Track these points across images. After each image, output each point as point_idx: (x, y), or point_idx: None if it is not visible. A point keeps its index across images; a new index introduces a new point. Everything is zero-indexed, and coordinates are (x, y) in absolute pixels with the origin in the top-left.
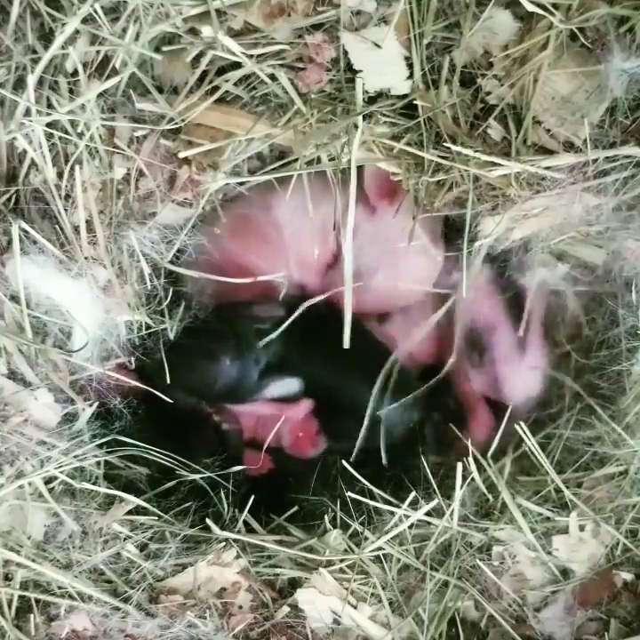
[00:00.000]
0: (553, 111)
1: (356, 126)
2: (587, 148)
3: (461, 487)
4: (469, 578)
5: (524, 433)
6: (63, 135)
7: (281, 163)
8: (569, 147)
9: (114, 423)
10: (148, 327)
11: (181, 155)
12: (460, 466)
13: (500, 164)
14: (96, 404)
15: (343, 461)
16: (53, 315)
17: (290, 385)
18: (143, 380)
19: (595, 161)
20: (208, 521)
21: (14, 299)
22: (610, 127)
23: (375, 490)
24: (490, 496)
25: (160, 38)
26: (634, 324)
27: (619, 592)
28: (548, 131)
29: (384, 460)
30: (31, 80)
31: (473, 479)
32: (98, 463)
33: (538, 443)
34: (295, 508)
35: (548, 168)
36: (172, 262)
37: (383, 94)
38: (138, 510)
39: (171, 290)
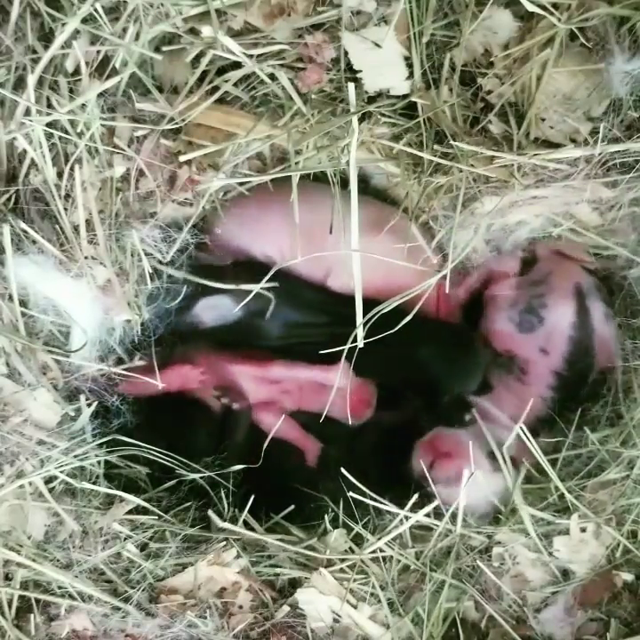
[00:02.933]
0: (555, 108)
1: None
2: (591, 143)
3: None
4: (470, 579)
5: (527, 438)
6: (63, 135)
7: (283, 166)
8: (571, 142)
9: (113, 422)
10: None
11: (182, 158)
12: (466, 471)
13: (501, 157)
14: (96, 403)
15: (342, 468)
16: (52, 315)
17: (222, 303)
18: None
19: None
20: (210, 512)
21: (13, 299)
22: (612, 124)
23: (374, 495)
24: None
25: (160, 38)
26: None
27: (619, 593)
28: (552, 127)
29: None
30: (31, 80)
31: None
32: (98, 462)
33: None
34: (292, 507)
35: (551, 160)
36: (172, 261)
37: (383, 94)
38: (138, 510)
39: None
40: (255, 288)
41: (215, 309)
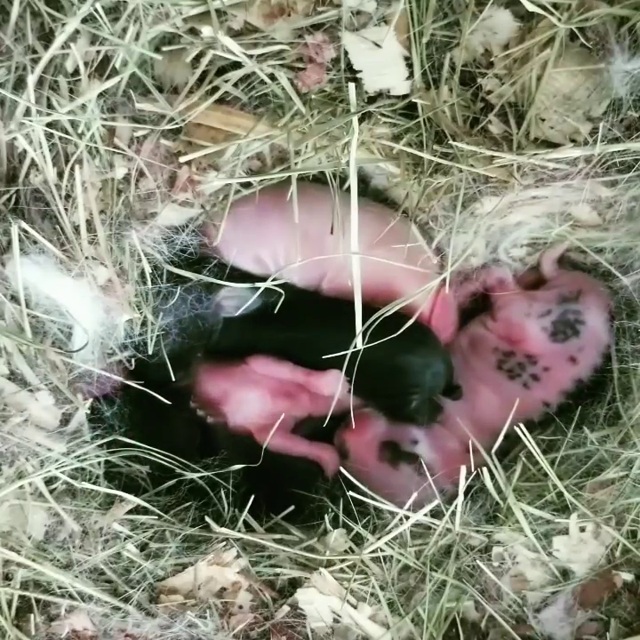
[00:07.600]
0: (555, 108)
1: (351, 128)
2: (590, 142)
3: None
4: (470, 578)
5: (525, 436)
6: (63, 135)
7: (283, 166)
8: (571, 142)
9: (115, 423)
10: (145, 324)
11: (183, 159)
12: (464, 469)
13: (501, 157)
14: (90, 400)
15: (342, 468)
16: (53, 315)
17: (241, 294)
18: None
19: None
20: (207, 519)
21: (14, 299)
22: (612, 123)
23: (374, 495)
24: (499, 500)
25: (160, 38)
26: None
27: (619, 592)
28: (552, 127)
29: None
30: (31, 80)
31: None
32: (98, 463)
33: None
34: (293, 507)
35: (551, 160)
36: (173, 261)
37: (383, 94)
38: (138, 510)
39: None
40: (263, 285)
41: (236, 299)
